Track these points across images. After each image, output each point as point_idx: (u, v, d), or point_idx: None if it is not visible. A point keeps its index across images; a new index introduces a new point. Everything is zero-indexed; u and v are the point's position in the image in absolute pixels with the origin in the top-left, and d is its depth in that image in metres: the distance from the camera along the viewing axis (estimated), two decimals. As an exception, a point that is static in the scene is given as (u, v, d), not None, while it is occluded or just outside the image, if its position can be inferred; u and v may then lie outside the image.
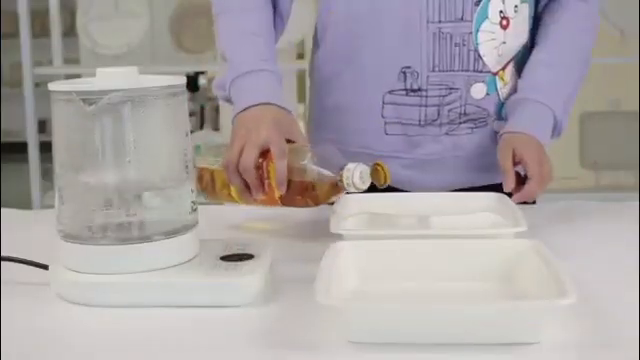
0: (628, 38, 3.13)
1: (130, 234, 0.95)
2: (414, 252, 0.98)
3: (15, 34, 3.40)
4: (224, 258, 0.98)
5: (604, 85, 3.23)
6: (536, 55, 1.38)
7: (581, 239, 1.18)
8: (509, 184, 1.24)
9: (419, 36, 1.29)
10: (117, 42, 3.36)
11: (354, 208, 1.21)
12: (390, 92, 1.32)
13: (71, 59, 4.03)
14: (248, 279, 0.93)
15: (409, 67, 1.30)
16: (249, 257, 0.98)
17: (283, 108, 1.19)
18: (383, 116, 1.34)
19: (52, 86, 0.95)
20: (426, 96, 1.31)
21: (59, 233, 0.97)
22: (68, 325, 0.90)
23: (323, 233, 1.07)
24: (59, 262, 0.97)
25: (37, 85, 3.20)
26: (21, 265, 1.02)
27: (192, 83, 5.26)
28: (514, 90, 1.37)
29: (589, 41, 1.41)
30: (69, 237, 0.96)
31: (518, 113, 1.33)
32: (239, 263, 0.96)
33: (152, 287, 0.92)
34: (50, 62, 3.52)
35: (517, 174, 1.25)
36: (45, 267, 0.99)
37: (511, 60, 1.35)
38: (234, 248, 1.01)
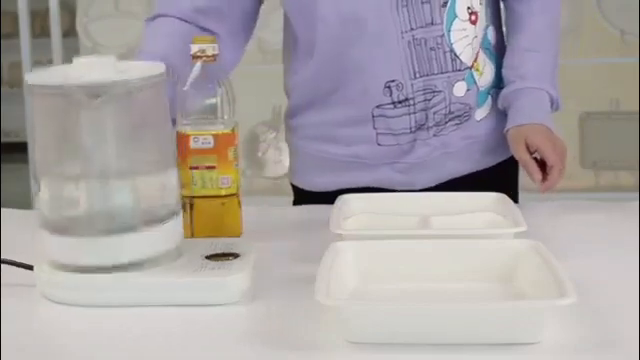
0: (628, 38, 3.13)
1: (114, 224, 0.95)
2: (414, 252, 0.98)
3: (15, 34, 3.40)
4: (210, 257, 0.98)
5: (604, 85, 3.23)
6: (515, 42, 1.39)
7: (581, 239, 1.18)
8: (536, 176, 1.28)
9: (397, 48, 1.30)
10: (117, 42, 3.36)
11: (354, 208, 1.21)
12: (378, 107, 1.33)
13: (71, 59, 4.02)
14: (235, 277, 0.94)
15: (393, 80, 1.31)
16: (235, 256, 0.98)
17: None
18: (375, 127, 1.35)
19: (31, 78, 0.95)
20: (413, 104, 1.32)
21: (42, 226, 0.97)
22: (54, 326, 0.90)
23: (323, 233, 1.07)
24: (44, 256, 0.97)
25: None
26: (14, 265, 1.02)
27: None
28: (497, 79, 1.39)
29: (557, 8, 1.42)
30: (52, 229, 0.96)
31: (517, 105, 1.35)
32: (225, 262, 0.97)
33: (138, 286, 0.93)
34: (50, 62, 3.52)
35: (536, 161, 1.29)
36: (30, 267, 0.99)
37: (480, 48, 1.37)
38: (219, 247, 1.01)
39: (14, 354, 0.81)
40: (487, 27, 1.38)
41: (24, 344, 0.84)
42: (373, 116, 1.34)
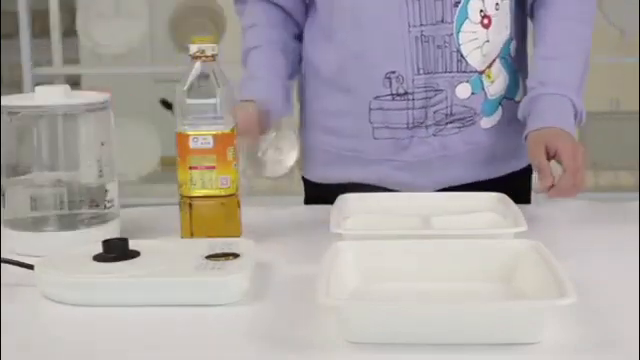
0: (628, 38, 3.12)
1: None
2: (414, 252, 0.98)
3: (15, 34, 3.40)
4: (210, 257, 0.98)
5: (604, 85, 3.23)
6: (537, 52, 1.36)
7: (581, 239, 1.18)
8: (548, 181, 1.20)
9: (402, 41, 1.30)
10: (117, 42, 3.36)
11: (354, 208, 1.21)
12: (376, 98, 1.32)
13: (71, 59, 4.02)
14: (235, 277, 0.94)
15: (394, 72, 1.31)
16: (235, 256, 0.99)
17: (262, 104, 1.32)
18: (371, 121, 1.34)
19: (3, 101, 1.14)
20: (412, 99, 1.32)
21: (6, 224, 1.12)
22: (54, 326, 0.90)
23: (323, 233, 1.07)
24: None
25: (37, 85, 3.19)
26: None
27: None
28: (510, 90, 1.37)
29: (587, 29, 1.39)
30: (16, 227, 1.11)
31: (538, 110, 1.31)
32: (225, 262, 0.97)
33: (138, 286, 0.93)
34: (50, 62, 3.51)
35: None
36: (30, 267, 0.99)
37: (497, 57, 1.36)
38: (219, 247, 1.01)
39: (14, 354, 0.81)
40: (510, 40, 1.37)
41: (24, 344, 0.84)
42: (370, 109, 1.33)
